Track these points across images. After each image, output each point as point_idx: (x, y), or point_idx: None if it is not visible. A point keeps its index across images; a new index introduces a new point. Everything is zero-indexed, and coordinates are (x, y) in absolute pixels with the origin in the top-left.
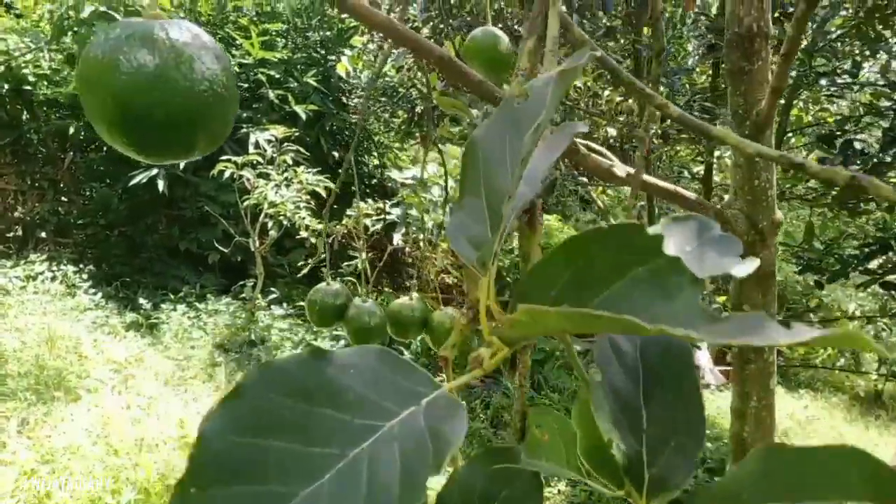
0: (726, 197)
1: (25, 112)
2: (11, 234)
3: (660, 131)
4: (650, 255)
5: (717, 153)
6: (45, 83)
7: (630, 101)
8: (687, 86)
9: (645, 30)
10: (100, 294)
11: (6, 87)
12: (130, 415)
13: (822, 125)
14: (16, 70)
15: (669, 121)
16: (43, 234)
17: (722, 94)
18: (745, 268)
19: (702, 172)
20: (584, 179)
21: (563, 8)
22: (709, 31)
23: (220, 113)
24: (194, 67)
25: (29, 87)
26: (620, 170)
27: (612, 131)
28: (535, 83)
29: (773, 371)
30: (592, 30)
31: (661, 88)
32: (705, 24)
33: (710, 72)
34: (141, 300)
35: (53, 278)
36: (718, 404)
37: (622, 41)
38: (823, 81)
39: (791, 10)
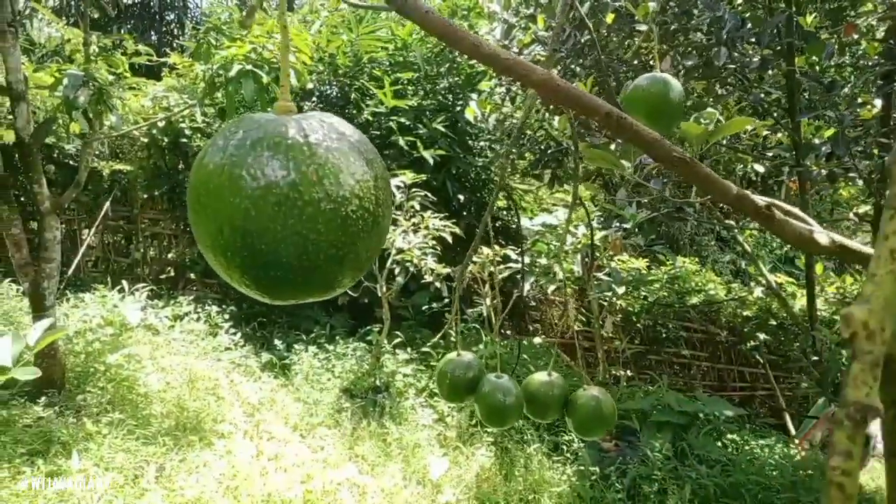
0: None
1: (181, 162)
2: (164, 276)
3: (824, 171)
4: None
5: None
6: (199, 135)
7: (779, 134)
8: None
9: (798, 60)
10: (239, 334)
11: (166, 139)
12: (259, 465)
13: None
14: (174, 124)
15: (837, 157)
16: (192, 276)
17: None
18: None
19: (870, 213)
20: (721, 215)
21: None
22: (884, 57)
23: (375, 239)
24: (341, 181)
25: (185, 140)
26: (823, 237)
27: (760, 168)
28: None
29: None
30: (745, 62)
31: (818, 123)
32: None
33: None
34: (276, 341)
35: (198, 318)
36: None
37: (776, 72)
38: None
39: None
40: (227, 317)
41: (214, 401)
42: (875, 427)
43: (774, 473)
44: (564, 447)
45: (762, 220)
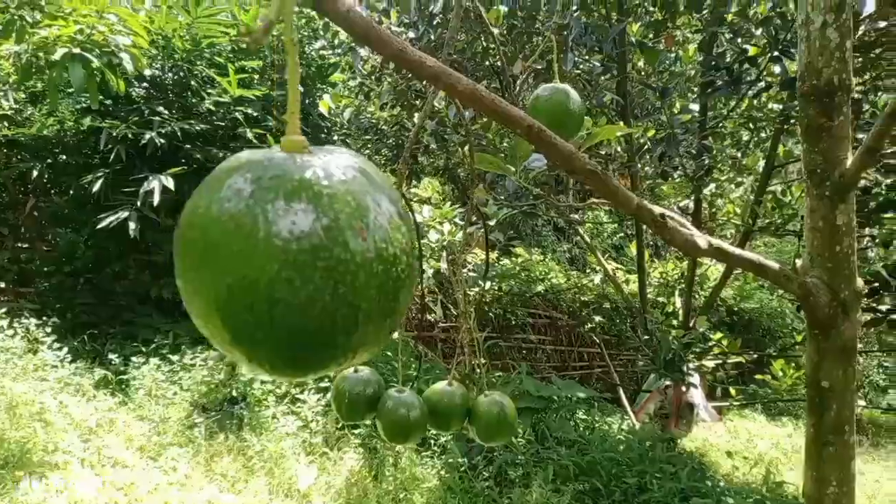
0: (798, 262)
1: None
2: None
3: (658, 170)
4: None
5: (706, 190)
6: (7, 123)
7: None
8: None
9: (630, 67)
10: (65, 349)
11: None
12: (107, 496)
13: None
14: None
15: (668, 157)
16: (2, 285)
17: (715, 133)
18: None
19: (690, 206)
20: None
21: (553, 41)
22: (703, 66)
23: (404, 297)
24: (389, 237)
25: None
26: (703, 241)
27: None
28: None
29: (854, 455)
30: (589, 69)
31: (648, 125)
32: (692, 60)
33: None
34: (111, 355)
35: (14, 334)
36: (712, 440)
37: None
38: None
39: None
40: (48, 330)
41: (42, 427)
42: (698, 396)
43: (622, 448)
44: (432, 441)
45: (656, 227)
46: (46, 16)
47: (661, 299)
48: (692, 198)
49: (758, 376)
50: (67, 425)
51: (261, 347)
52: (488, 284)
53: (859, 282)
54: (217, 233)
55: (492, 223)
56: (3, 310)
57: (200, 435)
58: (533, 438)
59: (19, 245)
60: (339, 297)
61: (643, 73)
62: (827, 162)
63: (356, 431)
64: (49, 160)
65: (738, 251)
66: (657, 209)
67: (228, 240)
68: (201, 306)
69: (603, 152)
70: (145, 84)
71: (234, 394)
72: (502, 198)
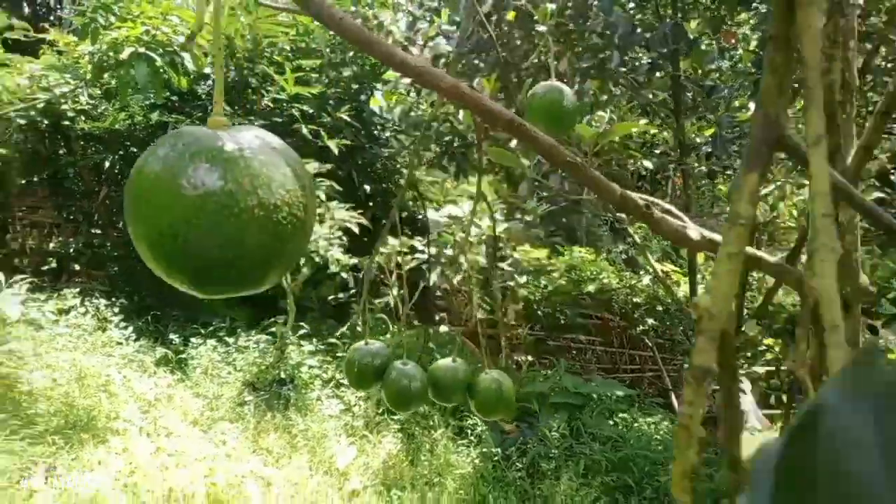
0: (804, 258)
1: (63, 147)
2: (46, 268)
3: (705, 168)
4: None
5: (764, 190)
6: (83, 118)
7: (665, 133)
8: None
9: (683, 65)
10: (131, 328)
11: (45, 122)
12: (159, 461)
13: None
14: (55, 106)
15: (715, 157)
16: (76, 267)
17: None
18: None
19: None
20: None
21: (599, 41)
22: (757, 66)
23: (301, 241)
24: (273, 190)
25: (68, 123)
26: (694, 232)
27: (649, 164)
28: None
29: None
30: (637, 67)
31: (702, 124)
32: (751, 58)
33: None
34: (171, 335)
35: (85, 312)
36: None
37: (663, 75)
38: None
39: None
40: (117, 310)
41: (107, 398)
42: (748, 402)
43: (660, 448)
44: (469, 431)
45: (642, 217)
46: (118, 19)
47: None
48: None
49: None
50: (129, 397)
51: (178, 271)
52: (523, 279)
53: (864, 279)
54: (148, 187)
55: (529, 218)
56: (77, 290)
57: (249, 412)
58: (568, 433)
59: (93, 231)
60: (224, 233)
61: (696, 73)
62: (830, 160)
63: (395, 417)
64: (121, 152)
65: None
66: (643, 199)
67: (154, 192)
68: (142, 243)
69: (658, 150)
70: (210, 82)
71: (283, 376)
72: (545, 194)
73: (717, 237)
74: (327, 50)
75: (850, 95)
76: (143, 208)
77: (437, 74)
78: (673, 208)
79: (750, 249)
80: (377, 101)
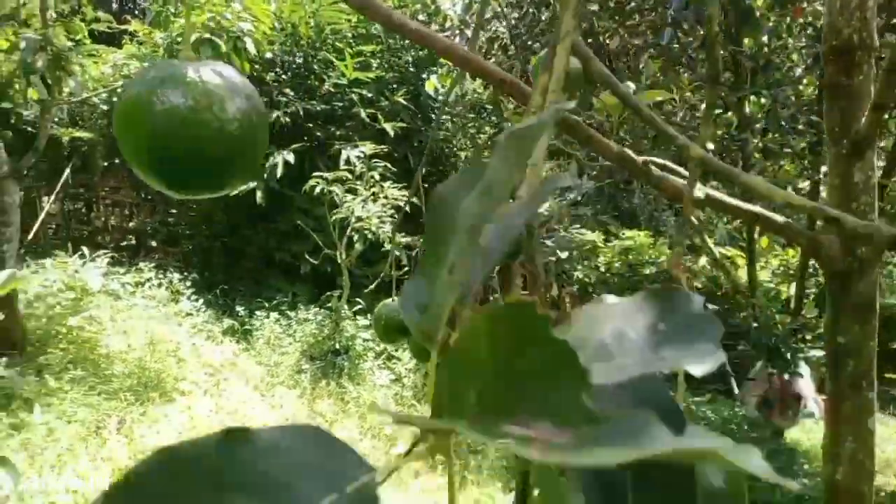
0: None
1: None
2: (125, 244)
3: (761, 145)
4: (540, 343)
5: (823, 168)
6: None
7: (729, 113)
8: (792, 98)
9: (746, 41)
10: (201, 300)
11: None
12: (218, 419)
13: None
14: None
15: (772, 134)
16: (153, 244)
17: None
18: (706, 366)
19: (806, 189)
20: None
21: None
22: (816, 40)
23: (250, 152)
24: (226, 108)
25: None
26: (698, 190)
27: (710, 145)
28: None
29: (873, 409)
30: (687, 43)
31: (763, 100)
32: (810, 34)
33: (818, 83)
34: (238, 308)
35: (160, 285)
36: (821, 436)
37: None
38: None
39: None
40: (188, 284)
41: (175, 362)
42: (807, 387)
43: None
44: None
45: (641, 175)
46: (186, 6)
47: (783, 287)
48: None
49: (889, 375)
50: (196, 363)
51: (156, 175)
52: (565, 255)
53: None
54: (131, 109)
55: (573, 195)
56: (153, 265)
57: (306, 379)
58: None
59: (169, 210)
60: (186, 139)
61: (758, 48)
62: (844, 120)
63: None
64: None
65: (735, 202)
66: (640, 157)
67: (135, 112)
68: (128, 152)
69: (721, 132)
70: (277, 69)
71: (338, 347)
72: (593, 172)
73: (716, 194)
74: (386, 35)
75: (868, 56)
76: (124, 124)
77: (434, 37)
78: (677, 167)
79: (753, 206)
80: (432, 85)
